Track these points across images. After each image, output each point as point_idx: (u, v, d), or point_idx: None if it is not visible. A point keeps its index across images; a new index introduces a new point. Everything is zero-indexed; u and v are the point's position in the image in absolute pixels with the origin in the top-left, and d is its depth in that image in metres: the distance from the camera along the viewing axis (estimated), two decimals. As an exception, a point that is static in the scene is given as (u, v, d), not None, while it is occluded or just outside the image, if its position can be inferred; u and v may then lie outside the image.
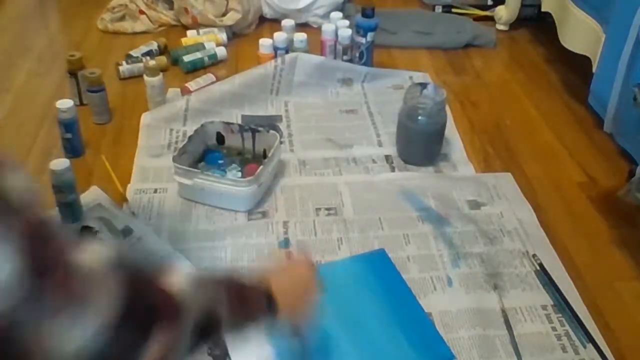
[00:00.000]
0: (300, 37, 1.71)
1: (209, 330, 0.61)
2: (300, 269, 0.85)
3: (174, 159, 1.27)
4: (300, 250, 0.92)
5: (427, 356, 0.99)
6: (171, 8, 2.02)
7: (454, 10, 2.14)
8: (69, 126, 1.39)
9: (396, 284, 1.11)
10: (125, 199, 1.29)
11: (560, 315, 1.07)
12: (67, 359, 0.48)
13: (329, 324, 1.01)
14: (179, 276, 0.59)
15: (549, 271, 1.14)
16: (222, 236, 1.21)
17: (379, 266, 1.15)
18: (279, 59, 1.64)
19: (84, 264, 0.49)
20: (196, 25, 1.95)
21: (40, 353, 0.47)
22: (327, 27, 1.75)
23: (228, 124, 1.39)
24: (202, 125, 1.38)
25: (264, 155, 1.33)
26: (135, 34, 1.97)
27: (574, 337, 1.03)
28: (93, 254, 0.51)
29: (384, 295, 1.08)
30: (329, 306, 1.04)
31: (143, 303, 0.53)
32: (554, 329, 1.04)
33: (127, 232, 1.19)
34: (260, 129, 1.37)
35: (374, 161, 1.44)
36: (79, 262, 0.49)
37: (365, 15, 1.69)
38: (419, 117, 1.38)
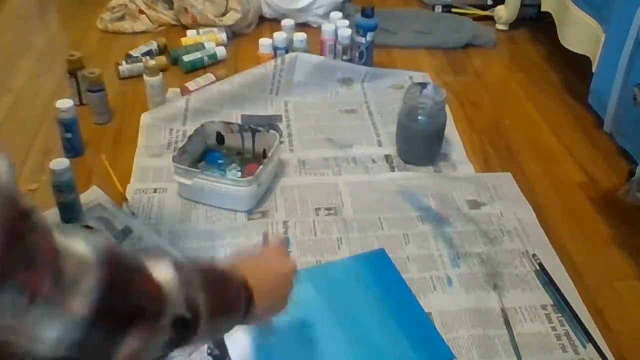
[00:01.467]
0: (300, 37, 1.71)
1: (187, 325, 0.59)
2: (276, 262, 0.81)
3: (174, 159, 1.28)
4: (277, 242, 0.90)
5: (427, 356, 0.99)
6: (171, 8, 2.02)
7: (454, 10, 2.14)
8: (69, 126, 1.39)
9: (396, 284, 1.11)
10: (125, 199, 1.29)
11: (560, 315, 1.07)
12: (42, 355, 0.47)
13: (329, 323, 1.02)
14: (165, 267, 0.57)
15: (549, 271, 1.14)
16: (222, 236, 1.21)
17: (379, 266, 1.15)
18: (279, 59, 1.64)
19: (65, 257, 0.47)
20: (196, 25, 1.95)
21: (13, 351, 0.46)
22: (327, 27, 1.75)
23: (228, 124, 1.39)
24: (202, 125, 1.38)
25: (264, 155, 1.33)
26: (135, 34, 1.97)
27: (574, 337, 1.03)
28: (78, 247, 0.49)
29: (383, 295, 1.08)
30: (328, 306, 1.05)
31: (122, 301, 0.52)
32: (554, 329, 1.04)
33: (127, 232, 1.19)
34: (260, 129, 1.37)
35: (374, 161, 1.44)
36: (60, 255, 0.47)
37: (365, 15, 1.69)
38: (419, 117, 1.38)
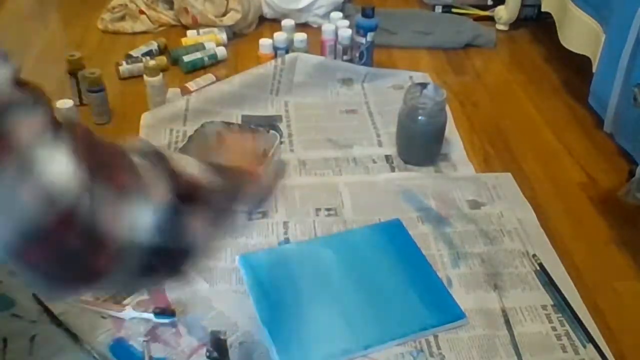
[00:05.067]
0: (300, 37, 1.72)
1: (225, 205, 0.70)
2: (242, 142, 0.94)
3: (174, 159, 1.27)
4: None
5: (439, 314, 1.05)
6: (171, 8, 2.02)
7: (454, 10, 2.14)
8: (69, 126, 1.39)
9: (410, 250, 1.17)
10: (125, 199, 1.29)
11: (560, 315, 1.07)
12: (140, 242, 0.53)
13: (347, 284, 1.09)
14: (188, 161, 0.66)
15: (549, 271, 1.14)
16: (222, 236, 1.21)
17: (394, 233, 1.21)
18: (279, 59, 1.64)
19: (133, 158, 0.56)
20: (196, 25, 1.95)
21: (111, 239, 0.51)
22: (327, 27, 1.75)
23: (228, 124, 1.39)
24: (202, 125, 1.38)
25: (264, 155, 1.33)
26: (135, 34, 1.97)
27: (574, 337, 1.03)
28: (135, 150, 0.58)
29: (398, 259, 1.15)
30: (346, 268, 1.12)
31: (183, 185, 0.60)
32: (554, 329, 1.04)
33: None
34: (260, 129, 1.37)
35: (374, 161, 1.44)
36: (129, 157, 0.56)
37: (365, 15, 1.69)
38: (419, 117, 1.38)
